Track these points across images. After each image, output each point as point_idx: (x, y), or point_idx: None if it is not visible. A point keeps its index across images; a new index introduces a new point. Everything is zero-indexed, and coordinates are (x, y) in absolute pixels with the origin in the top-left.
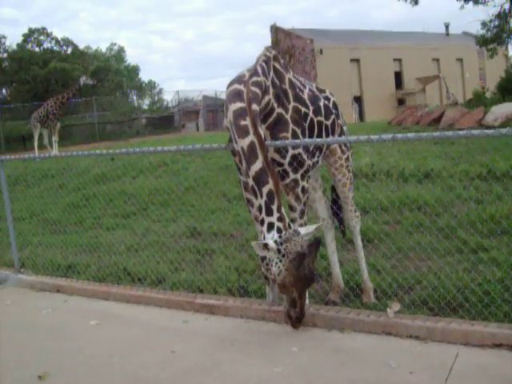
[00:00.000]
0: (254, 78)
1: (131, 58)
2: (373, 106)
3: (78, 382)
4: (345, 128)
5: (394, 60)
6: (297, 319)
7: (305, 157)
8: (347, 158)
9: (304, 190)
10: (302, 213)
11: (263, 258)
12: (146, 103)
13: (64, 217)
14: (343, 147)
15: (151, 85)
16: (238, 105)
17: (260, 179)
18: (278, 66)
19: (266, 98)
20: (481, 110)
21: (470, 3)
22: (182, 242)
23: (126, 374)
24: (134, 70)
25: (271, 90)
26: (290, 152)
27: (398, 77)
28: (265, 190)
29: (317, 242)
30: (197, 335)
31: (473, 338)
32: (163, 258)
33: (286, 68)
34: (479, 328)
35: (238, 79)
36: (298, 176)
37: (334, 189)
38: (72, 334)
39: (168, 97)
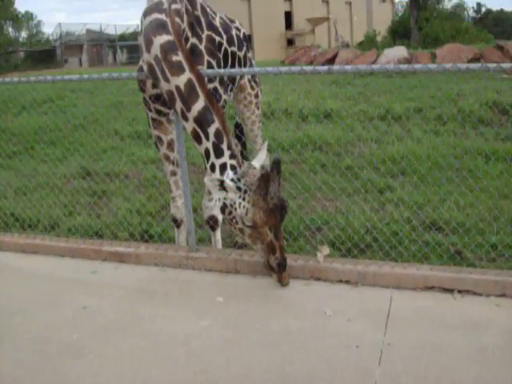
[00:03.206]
0: (174, 6)
1: None
2: (262, 46)
3: None
4: (253, 62)
5: (285, 0)
6: (279, 266)
7: (221, 91)
8: (256, 95)
9: None
10: None
11: (223, 209)
12: (22, 36)
13: None
14: (252, 83)
15: (28, 16)
16: (165, 38)
17: (204, 119)
18: None
19: (181, 28)
20: (373, 52)
21: None
22: (75, 184)
23: (33, 337)
24: None
25: (185, 18)
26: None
27: (288, 17)
28: (211, 129)
29: (277, 163)
30: (109, 287)
31: (405, 281)
32: (55, 201)
33: None
34: (411, 271)
35: (157, 8)
36: None
37: (236, 125)
38: None
39: (48, 30)
